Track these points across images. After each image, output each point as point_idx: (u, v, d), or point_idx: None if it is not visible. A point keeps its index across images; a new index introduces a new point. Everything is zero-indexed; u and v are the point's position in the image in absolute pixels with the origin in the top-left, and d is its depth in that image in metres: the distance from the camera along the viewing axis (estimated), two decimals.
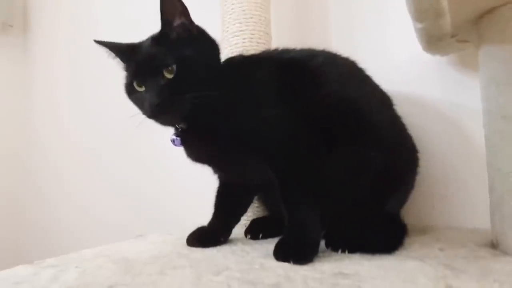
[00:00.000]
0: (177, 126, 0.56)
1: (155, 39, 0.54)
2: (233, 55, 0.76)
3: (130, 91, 0.54)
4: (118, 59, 0.58)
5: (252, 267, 0.45)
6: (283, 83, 0.53)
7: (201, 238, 0.59)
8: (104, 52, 0.58)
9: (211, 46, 0.57)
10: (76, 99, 1.51)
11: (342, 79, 0.55)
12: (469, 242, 0.53)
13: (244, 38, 0.76)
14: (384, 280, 0.39)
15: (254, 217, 0.74)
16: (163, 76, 0.50)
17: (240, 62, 0.60)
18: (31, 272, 0.45)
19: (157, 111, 0.49)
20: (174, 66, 0.50)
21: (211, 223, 0.62)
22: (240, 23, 0.76)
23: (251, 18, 0.76)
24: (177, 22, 0.53)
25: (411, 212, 0.69)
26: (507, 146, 0.47)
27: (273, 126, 0.50)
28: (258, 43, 0.77)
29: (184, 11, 0.53)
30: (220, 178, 0.63)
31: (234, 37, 0.77)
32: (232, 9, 0.77)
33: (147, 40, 0.55)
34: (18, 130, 1.78)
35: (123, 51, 0.56)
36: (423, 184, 0.70)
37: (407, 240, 0.54)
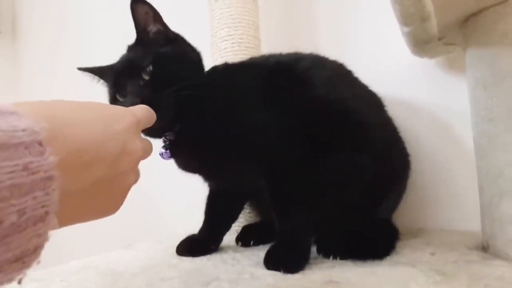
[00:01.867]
0: (164, 138, 0.54)
1: (130, 47, 0.54)
2: (222, 59, 0.76)
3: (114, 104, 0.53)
4: (102, 81, 0.57)
5: (241, 276, 0.44)
6: (270, 88, 0.52)
7: (191, 247, 0.58)
8: (89, 76, 0.57)
9: (191, 49, 0.57)
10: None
11: (330, 82, 0.54)
12: (460, 246, 0.53)
13: (233, 43, 0.76)
14: (375, 287, 0.39)
15: (246, 223, 0.73)
16: (142, 78, 0.49)
17: (225, 69, 0.59)
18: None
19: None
20: (151, 67, 0.49)
21: (202, 231, 0.61)
22: (228, 27, 0.76)
23: (240, 22, 0.76)
24: (152, 28, 0.53)
25: (402, 214, 0.69)
26: (495, 149, 0.47)
27: (261, 132, 0.50)
28: (247, 47, 0.76)
29: (157, 17, 0.53)
30: (210, 186, 0.62)
31: (223, 42, 0.77)
32: (220, 14, 0.76)
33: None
34: None
35: (106, 72, 0.55)
36: (414, 186, 0.70)
37: (399, 244, 0.54)
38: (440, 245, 0.54)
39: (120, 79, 0.50)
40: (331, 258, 0.50)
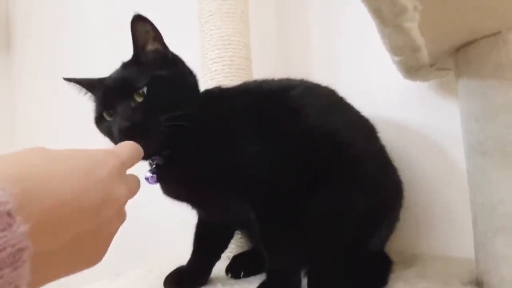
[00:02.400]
0: (151, 162, 0.53)
1: (125, 64, 0.51)
2: (212, 81, 0.75)
3: (99, 122, 0.50)
4: (89, 94, 0.55)
5: None
6: (262, 118, 0.51)
7: (179, 281, 0.56)
8: (75, 88, 0.55)
9: (188, 73, 0.55)
10: (60, 117, 1.49)
11: (322, 111, 0.53)
12: (454, 279, 0.52)
13: (223, 65, 0.75)
14: None
15: (237, 248, 0.72)
16: (134, 99, 0.46)
17: (218, 95, 0.57)
18: None
19: (128, 137, 0.41)
20: (145, 89, 0.46)
21: (190, 262, 0.59)
22: (219, 49, 0.75)
23: (230, 44, 0.75)
24: (150, 47, 0.51)
25: (396, 240, 0.67)
26: (488, 183, 0.46)
27: (252, 166, 0.48)
28: (237, 69, 0.75)
29: (158, 36, 0.51)
30: (199, 214, 0.61)
31: (213, 63, 0.75)
32: (210, 35, 0.75)
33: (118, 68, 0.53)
34: (1, 147, 1.74)
35: (94, 85, 0.52)
36: (408, 211, 0.68)
37: (392, 277, 0.52)
38: (434, 278, 0.53)
39: (110, 97, 0.48)
40: None
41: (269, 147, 0.48)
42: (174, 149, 0.50)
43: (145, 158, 0.49)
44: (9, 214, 0.18)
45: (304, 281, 0.50)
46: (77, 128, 1.39)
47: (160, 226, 1.08)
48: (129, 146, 0.34)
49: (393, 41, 0.43)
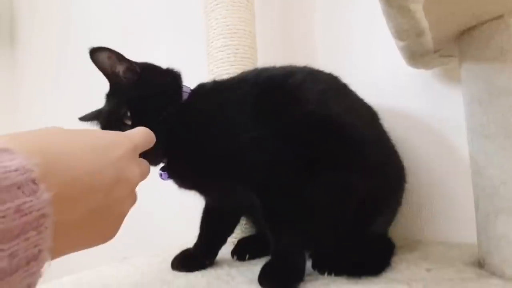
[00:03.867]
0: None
1: (107, 96, 0.55)
2: (218, 70, 0.76)
3: None
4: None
5: None
6: (261, 106, 0.51)
7: (186, 262, 0.58)
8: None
9: (160, 75, 0.56)
10: (64, 110, 1.49)
11: (324, 96, 0.53)
12: (457, 261, 0.53)
13: (229, 53, 0.76)
14: None
15: (242, 234, 0.73)
16: (125, 124, 0.50)
17: (212, 87, 0.58)
18: None
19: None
20: (128, 113, 0.50)
21: (196, 245, 0.61)
22: (224, 38, 0.76)
23: (235, 32, 0.75)
24: (119, 68, 0.53)
25: (399, 226, 0.68)
26: (490, 166, 0.46)
27: (252, 151, 0.49)
28: (243, 57, 0.76)
29: (120, 56, 0.52)
30: (206, 200, 0.62)
31: (219, 52, 0.76)
32: (216, 23, 0.76)
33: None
34: None
35: (98, 116, 0.56)
36: (411, 198, 0.69)
37: (395, 259, 0.53)
38: (437, 260, 0.54)
39: (107, 129, 0.52)
40: (326, 274, 0.49)
41: (268, 133, 0.49)
42: (175, 148, 0.52)
43: (154, 164, 0.54)
44: (33, 181, 0.19)
45: (309, 263, 0.51)
46: (79, 122, 1.41)
47: (164, 215, 1.09)
48: (141, 132, 0.35)
49: (398, 24, 0.44)
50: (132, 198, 0.31)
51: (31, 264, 0.18)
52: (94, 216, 0.26)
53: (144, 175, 0.33)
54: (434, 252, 0.59)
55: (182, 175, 0.55)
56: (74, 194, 0.23)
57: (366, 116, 0.59)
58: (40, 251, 0.19)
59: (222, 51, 0.76)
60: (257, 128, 0.49)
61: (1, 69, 1.84)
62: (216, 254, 0.61)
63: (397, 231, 0.67)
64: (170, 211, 1.07)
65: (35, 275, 0.19)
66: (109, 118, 0.52)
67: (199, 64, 0.82)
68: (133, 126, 0.49)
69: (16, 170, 0.18)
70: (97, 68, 0.52)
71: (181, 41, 1.06)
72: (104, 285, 0.51)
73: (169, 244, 0.72)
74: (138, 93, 0.52)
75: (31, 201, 0.18)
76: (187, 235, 0.65)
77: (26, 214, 0.18)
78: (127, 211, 0.30)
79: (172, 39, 1.11)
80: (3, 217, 0.17)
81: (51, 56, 1.62)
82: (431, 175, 0.70)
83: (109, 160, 0.27)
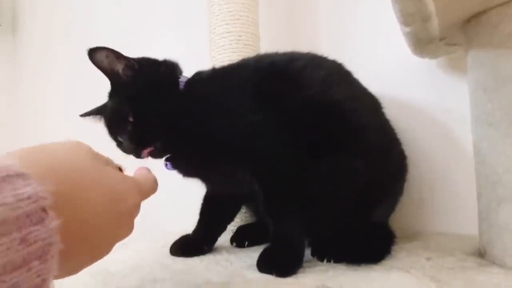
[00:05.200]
0: None
1: (110, 95, 0.55)
2: (220, 56, 0.75)
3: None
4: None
5: (233, 279, 0.44)
6: (261, 90, 0.51)
7: (185, 247, 0.57)
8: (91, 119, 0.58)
9: (157, 69, 0.56)
10: (65, 100, 1.49)
11: (326, 82, 0.53)
12: (457, 251, 0.52)
13: (231, 40, 0.75)
14: None
15: (242, 223, 0.73)
16: (129, 122, 0.51)
17: (211, 74, 0.58)
18: None
19: (140, 154, 0.53)
20: (131, 113, 0.51)
21: (196, 231, 0.60)
22: (227, 24, 0.75)
23: (238, 19, 0.74)
24: (119, 67, 0.53)
25: (400, 217, 0.68)
26: (494, 154, 0.46)
27: (253, 135, 0.49)
28: (245, 44, 0.75)
29: (118, 54, 0.52)
30: (208, 187, 0.62)
31: (221, 38, 0.75)
32: (219, 10, 0.75)
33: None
34: (4, 131, 1.75)
35: (101, 112, 0.57)
36: (412, 189, 0.69)
37: (395, 248, 0.53)
38: (437, 250, 0.53)
39: (112, 127, 0.55)
40: (325, 261, 0.49)
41: (268, 118, 0.49)
42: (178, 136, 0.52)
43: (160, 158, 0.55)
44: (43, 209, 0.19)
45: (308, 251, 0.51)
46: (80, 112, 1.40)
47: (164, 201, 1.09)
48: (150, 182, 0.36)
49: (405, 7, 0.43)
50: (130, 230, 0.33)
51: None
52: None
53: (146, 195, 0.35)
54: (434, 242, 0.59)
55: (186, 164, 0.56)
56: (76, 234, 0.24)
57: (369, 103, 0.58)
58: (43, 280, 0.18)
59: (225, 37, 0.75)
60: (258, 113, 0.49)
61: (2, 57, 1.83)
62: (215, 241, 0.61)
63: (398, 222, 0.66)
64: (169, 198, 1.07)
65: None
66: (112, 117, 0.54)
67: (201, 50, 0.82)
68: (135, 122, 0.51)
69: (28, 198, 0.18)
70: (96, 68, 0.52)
71: (183, 27, 1.05)
72: (103, 269, 0.50)
73: (169, 230, 0.72)
74: (137, 89, 0.52)
75: (38, 230, 0.18)
76: (187, 221, 0.65)
77: (31, 244, 0.18)
78: (122, 239, 0.32)
79: (174, 25, 1.10)
80: (8, 249, 0.17)
81: (52, 44, 1.61)
82: (433, 166, 0.70)
83: (115, 212, 0.28)
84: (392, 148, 0.58)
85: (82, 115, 0.58)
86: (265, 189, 0.49)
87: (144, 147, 0.52)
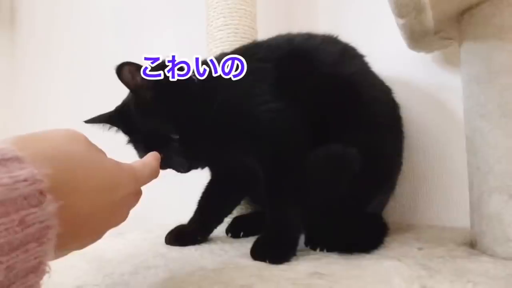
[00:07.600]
0: None
1: (144, 112, 0.52)
2: (217, 49, 0.75)
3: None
4: (115, 128, 0.56)
5: (227, 266, 0.44)
6: (280, 69, 0.52)
7: (179, 237, 0.58)
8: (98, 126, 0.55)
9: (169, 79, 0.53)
10: (64, 94, 1.49)
11: (342, 55, 0.56)
12: (448, 241, 0.53)
13: (228, 33, 0.75)
14: (359, 280, 0.39)
15: (238, 214, 0.73)
16: (173, 140, 0.51)
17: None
18: None
19: (191, 168, 0.54)
20: (177, 134, 0.50)
21: (192, 220, 0.61)
22: (224, 17, 0.75)
23: (236, 12, 0.75)
24: (138, 78, 0.49)
25: (393, 210, 0.69)
26: (485, 145, 0.46)
27: (265, 121, 0.50)
28: (243, 37, 0.75)
29: (138, 66, 0.49)
30: (212, 175, 0.62)
31: (218, 31, 0.76)
32: (216, 2, 0.75)
33: (127, 102, 0.54)
34: (2, 127, 1.74)
35: (115, 120, 0.54)
36: (405, 181, 0.69)
37: (387, 239, 0.53)
38: (429, 241, 0.54)
39: (152, 144, 0.50)
40: (318, 250, 0.50)
41: (287, 104, 0.50)
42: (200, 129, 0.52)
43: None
44: (41, 192, 0.19)
45: (301, 241, 0.52)
46: (78, 108, 1.40)
47: (160, 192, 1.10)
48: (149, 169, 0.36)
49: None
50: (123, 218, 0.34)
51: (30, 277, 0.18)
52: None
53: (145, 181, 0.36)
54: (426, 234, 0.59)
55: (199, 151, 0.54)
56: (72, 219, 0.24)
57: (380, 81, 0.60)
58: (40, 263, 0.19)
59: (222, 30, 0.75)
60: (277, 99, 0.50)
61: (0, 52, 1.83)
62: (210, 231, 0.62)
63: (391, 215, 0.67)
64: (165, 189, 1.07)
65: (34, 287, 0.19)
66: (154, 136, 0.52)
67: (199, 43, 0.82)
68: (180, 139, 0.51)
69: (25, 180, 0.18)
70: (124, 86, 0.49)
71: (181, 20, 1.05)
72: (98, 256, 0.51)
73: (164, 221, 0.72)
74: (169, 106, 0.51)
75: (36, 212, 0.18)
76: (182, 212, 0.65)
77: (29, 226, 0.18)
78: (114, 227, 0.32)
79: (172, 18, 1.10)
80: (6, 229, 0.17)
81: (51, 39, 1.60)
82: (426, 159, 0.70)
83: (110, 200, 0.28)
84: (398, 127, 0.60)
85: (87, 122, 0.55)
86: (267, 173, 0.50)
87: (196, 160, 0.53)
